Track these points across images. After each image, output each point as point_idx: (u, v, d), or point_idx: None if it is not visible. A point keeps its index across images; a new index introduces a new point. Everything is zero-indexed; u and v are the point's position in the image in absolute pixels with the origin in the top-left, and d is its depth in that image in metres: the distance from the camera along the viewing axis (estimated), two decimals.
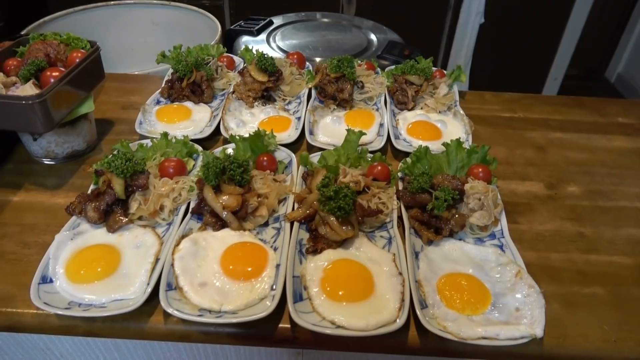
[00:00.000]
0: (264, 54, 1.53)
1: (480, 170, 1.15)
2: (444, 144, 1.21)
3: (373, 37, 2.43)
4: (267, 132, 1.22)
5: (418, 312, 0.87)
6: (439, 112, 1.49)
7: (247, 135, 1.34)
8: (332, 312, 0.87)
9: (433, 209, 1.03)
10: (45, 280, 0.90)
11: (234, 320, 0.85)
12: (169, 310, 0.85)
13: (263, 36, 2.42)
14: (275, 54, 2.26)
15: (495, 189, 1.11)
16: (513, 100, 1.68)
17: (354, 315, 0.87)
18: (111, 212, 1.04)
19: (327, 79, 1.50)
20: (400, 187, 1.16)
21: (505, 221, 1.09)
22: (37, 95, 1.03)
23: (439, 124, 1.42)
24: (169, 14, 2.73)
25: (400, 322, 0.85)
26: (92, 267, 0.93)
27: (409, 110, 1.50)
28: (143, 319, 0.89)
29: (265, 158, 1.18)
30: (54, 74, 1.14)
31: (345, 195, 0.99)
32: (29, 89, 1.11)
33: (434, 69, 1.64)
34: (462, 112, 1.47)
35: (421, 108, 1.51)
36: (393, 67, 1.69)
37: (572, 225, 1.16)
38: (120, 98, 1.56)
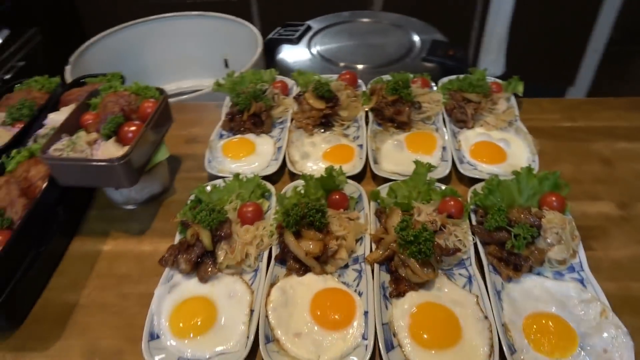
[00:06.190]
0: (320, 81, 1.55)
1: (553, 199, 1.15)
2: (513, 172, 1.21)
3: (415, 37, 2.39)
4: (336, 169, 1.24)
5: (508, 358, 0.90)
6: (500, 128, 1.48)
7: (311, 168, 1.38)
8: None
9: (512, 246, 1.05)
10: (153, 336, 0.97)
11: None
12: None
13: (304, 44, 2.41)
14: (318, 63, 2.27)
15: (572, 220, 1.11)
16: (572, 107, 1.65)
17: None
18: (201, 262, 1.09)
19: (384, 102, 1.51)
20: (474, 220, 1.17)
21: (583, 253, 1.10)
22: (123, 156, 1.09)
23: (501, 143, 1.42)
24: (204, 24, 2.75)
25: None
26: (193, 321, 0.99)
27: (469, 128, 1.49)
28: None
29: (337, 196, 1.21)
30: (131, 128, 1.19)
31: (426, 239, 1.02)
32: (112, 148, 1.16)
33: (488, 79, 1.62)
34: (524, 129, 1.45)
35: (481, 125, 1.50)
36: (447, 80, 1.67)
37: None
38: (183, 131, 1.60)
